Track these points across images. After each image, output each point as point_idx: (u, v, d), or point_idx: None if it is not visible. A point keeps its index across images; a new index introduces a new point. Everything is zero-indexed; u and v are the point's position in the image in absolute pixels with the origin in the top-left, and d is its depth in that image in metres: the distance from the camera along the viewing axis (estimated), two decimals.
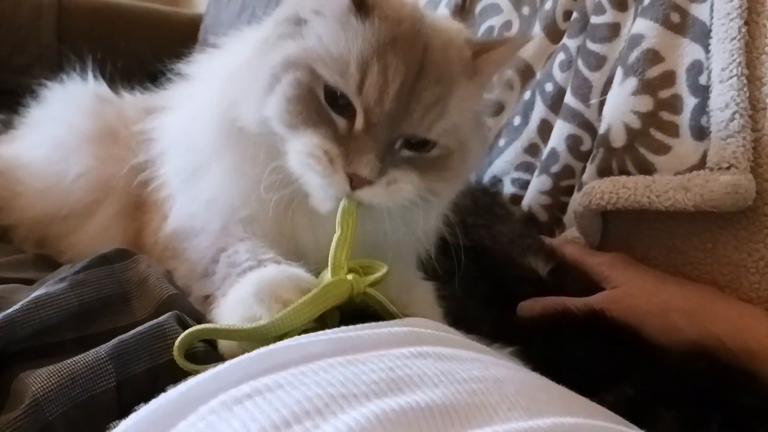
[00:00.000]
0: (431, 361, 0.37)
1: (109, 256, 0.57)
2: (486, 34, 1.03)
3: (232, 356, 0.47)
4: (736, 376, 0.56)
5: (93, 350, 0.46)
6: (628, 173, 0.73)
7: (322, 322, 0.50)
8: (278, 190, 0.57)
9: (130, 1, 1.92)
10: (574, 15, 0.91)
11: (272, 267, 0.54)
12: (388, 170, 0.55)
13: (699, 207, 0.66)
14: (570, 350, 0.63)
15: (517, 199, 0.93)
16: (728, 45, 0.68)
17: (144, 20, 1.88)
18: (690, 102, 0.71)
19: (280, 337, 0.45)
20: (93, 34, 1.74)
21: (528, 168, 0.93)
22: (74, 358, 0.45)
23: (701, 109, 0.70)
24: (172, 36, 1.90)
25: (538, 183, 0.89)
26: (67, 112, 0.82)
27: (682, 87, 0.72)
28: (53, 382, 0.43)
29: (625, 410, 0.54)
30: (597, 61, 0.84)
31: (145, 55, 1.62)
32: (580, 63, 0.86)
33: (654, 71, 0.74)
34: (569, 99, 0.87)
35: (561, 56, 0.91)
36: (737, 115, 0.66)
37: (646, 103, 0.74)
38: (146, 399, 0.44)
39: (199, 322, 0.53)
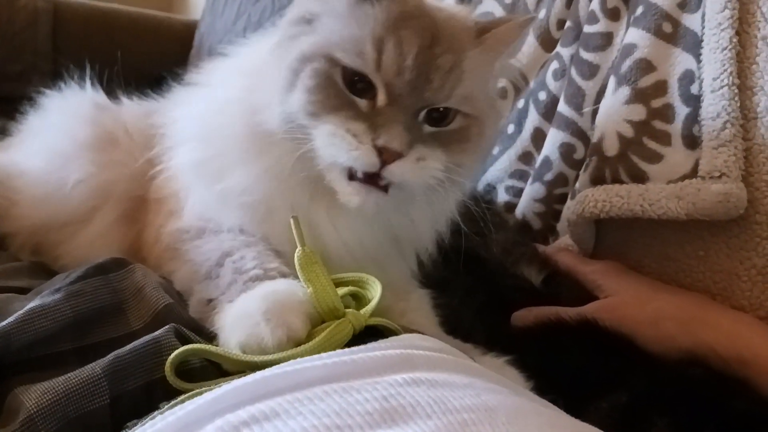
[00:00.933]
0: (424, 388, 0.38)
1: (105, 265, 0.57)
2: None
3: (233, 370, 0.48)
4: (730, 384, 0.56)
5: (89, 366, 0.46)
6: (621, 182, 0.74)
7: None
8: (303, 181, 0.59)
9: (125, 8, 1.92)
10: (568, 24, 0.92)
11: (282, 283, 0.54)
12: (416, 145, 0.56)
13: (691, 215, 0.67)
14: (564, 358, 0.63)
15: (510, 206, 0.94)
16: (719, 55, 0.69)
17: (139, 27, 1.89)
18: (682, 111, 0.72)
19: None
20: (88, 41, 1.74)
21: (522, 176, 0.94)
22: (69, 375, 0.45)
23: (693, 118, 0.70)
24: (167, 42, 1.91)
25: (532, 191, 0.89)
26: (65, 120, 0.82)
27: (674, 96, 0.73)
28: (48, 398, 0.43)
29: (619, 417, 0.55)
30: (590, 70, 0.85)
31: (141, 61, 1.63)
32: (573, 72, 0.87)
33: (646, 80, 0.75)
34: (562, 107, 0.87)
35: (554, 65, 0.92)
36: (729, 125, 0.67)
37: (638, 112, 0.75)
38: (140, 414, 0.44)
39: (197, 332, 0.53)
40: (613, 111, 0.77)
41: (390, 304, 0.64)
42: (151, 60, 1.74)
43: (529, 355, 0.61)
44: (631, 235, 0.77)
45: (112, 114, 0.82)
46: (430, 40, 0.58)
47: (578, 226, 0.78)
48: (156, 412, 0.42)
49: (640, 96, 0.75)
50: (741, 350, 0.58)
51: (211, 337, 0.54)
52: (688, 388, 0.56)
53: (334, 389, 0.37)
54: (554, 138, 0.87)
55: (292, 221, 0.56)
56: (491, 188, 0.97)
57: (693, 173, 0.68)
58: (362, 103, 0.57)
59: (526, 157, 0.93)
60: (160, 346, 0.49)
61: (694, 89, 0.71)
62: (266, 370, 0.40)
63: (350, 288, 0.55)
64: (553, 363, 0.62)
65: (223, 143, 0.64)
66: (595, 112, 0.82)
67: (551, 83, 0.92)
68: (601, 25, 0.85)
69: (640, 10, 0.77)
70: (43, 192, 0.76)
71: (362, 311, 0.53)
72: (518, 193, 0.93)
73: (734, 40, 0.69)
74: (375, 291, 0.55)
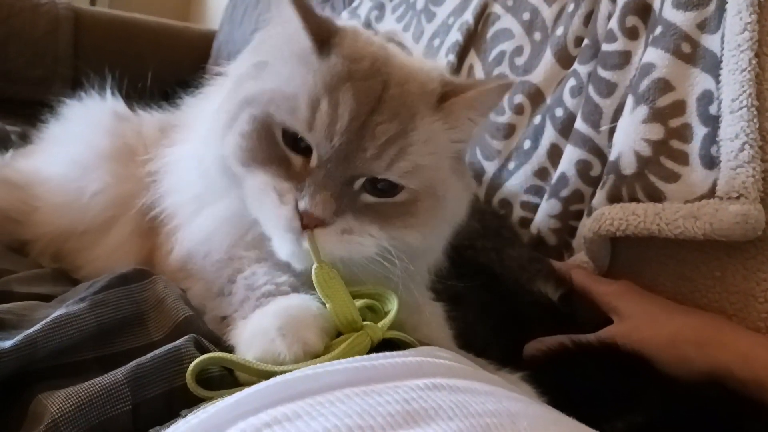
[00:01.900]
0: (445, 393, 0.38)
1: (127, 276, 0.57)
2: (497, 59, 1.05)
3: (248, 383, 0.49)
4: (746, 406, 0.56)
5: (111, 373, 0.47)
6: (638, 200, 0.74)
7: None
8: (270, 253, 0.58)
9: (144, 17, 1.95)
10: (586, 42, 0.92)
11: (295, 299, 0.54)
12: (345, 214, 0.53)
13: (708, 236, 0.67)
14: (581, 376, 0.63)
15: (526, 222, 0.94)
16: (739, 76, 0.69)
17: (158, 36, 1.91)
18: (700, 131, 0.72)
19: None
20: (108, 49, 1.77)
21: (537, 191, 0.94)
22: (92, 381, 0.46)
23: (711, 138, 0.71)
24: (185, 51, 1.94)
25: (548, 207, 0.90)
26: (85, 129, 0.83)
27: (692, 116, 0.73)
28: (71, 404, 0.44)
29: None
30: (608, 88, 0.86)
31: (159, 69, 1.65)
32: (591, 89, 0.87)
33: (665, 100, 0.75)
34: (580, 125, 0.88)
35: (572, 82, 0.92)
36: (747, 146, 0.67)
37: (656, 132, 0.75)
38: (161, 421, 0.45)
39: (216, 344, 0.54)
40: (631, 130, 0.77)
41: (404, 317, 0.64)
42: (169, 68, 1.75)
43: (544, 373, 0.62)
44: (647, 253, 0.77)
45: (131, 125, 0.84)
46: (373, 104, 0.53)
47: (594, 244, 0.78)
48: (179, 419, 0.43)
49: (658, 115, 0.75)
50: (758, 372, 0.58)
51: (229, 350, 0.54)
52: (705, 410, 0.56)
53: (355, 392, 0.37)
54: (571, 155, 0.88)
55: (307, 237, 0.54)
56: (506, 203, 0.97)
57: (711, 193, 0.68)
58: (297, 160, 0.54)
59: (542, 173, 0.94)
60: (181, 355, 0.49)
61: (712, 110, 0.71)
62: (287, 374, 0.41)
63: (366, 301, 0.56)
64: (569, 381, 0.62)
65: (197, 181, 0.64)
66: (612, 130, 0.82)
67: (568, 100, 0.92)
68: (620, 44, 0.86)
69: (659, 30, 0.78)
70: (62, 200, 0.77)
71: (379, 324, 0.53)
72: (534, 208, 0.93)
73: (753, 61, 0.69)
74: (392, 304, 0.56)
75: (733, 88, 0.69)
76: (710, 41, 0.74)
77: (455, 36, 1.12)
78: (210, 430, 0.37)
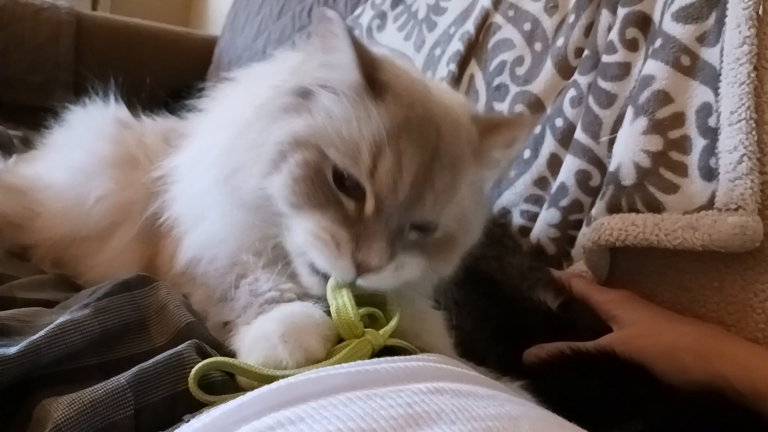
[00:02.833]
0: (448, 397, 0.38)
1: (130, 282, 0.58)
2: (498, 69, 1.05)
3: (249, 388, 0.49)
4: (745, 416, 0.56)
5: (114, 378, 0.47)
6: (638, 211, 0.75)
7: None
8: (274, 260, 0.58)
9: (146, 22, 1.96)
10: (586, 52, 0.93)
11: (298, 306, 0.55)
12: (397, 255, 0.54)
13: (707, 247, 0.67)
14: (580, 385, 0.64)
15: (525, 230, 0.94)
16: (737, 89, 0.70)
17: (160, 41, 1.92)
18: (699, 143, 0.73)
19: None
20: (110, 54, 1.78)
21: (537, 201, 0.94)
22: (95, 386, 0.46)
23: (710, 150, 0.71)
24: (186, 57, 1.95)
25: (547, 216, 0.90)
26: (88, 136, 0.84)
27: (691, 128, 0.74)
28: (74, 409, 0.44)
29: None
30: (608, 99, 0.86)
31: (161, 75, 1.66)
32: (590, 100, 0.88)
33: (664, 112, 0.76)
34: (579, 135, 0.88)
35: (572, 92, 0.93)
36: (745, 158, 0.67)
37: (656, 143, 0.75)
38: (164, 427, 0.45)
39: (217, 350, 0.54)
40: (631, 141, 0.77)
41: (406, 325, 0.64)
42: (170, 74, 1.77)
43: (543, 381, 0.62)
44: (646, 263, 0.77)
45: (133, 132, 0.84)
46: (431, 153, 0.54)
47: (593, 254, 0.78)
48: (182, 423, 0.43)
49: (657, 127, 0.76)
50: (756, 383, 0.58)
51: (231, 356, 0.54)
52: (703, 420, 0.56)
53: (358, 396, 0.37)
54: (571, 165, 0.88)
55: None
56: (506, 212, 0.98)
57: (709, 205, 0.69)
58: (350, 204, 0.54)
59: (541, 183, 0.94)
60: (183, 360, 0.50)
61: (711, 122, 0.72)
62: (290, 378, 0.41)
63: (368, 309, 0.56)
64: (569, 390, 0.62)
65: (205, 197, 0.63)
66: (612, 141, 0.83)
67: (568, 110, 0.93)
68: (620, 56, 0.86)
69: (658, 42, 0.78)
70: (64, 206, 0.78)
71: (381, 331, 0.54)
72: (533, 217, 0.93)
73: (752, 75, 0.69)
74: (393, 312, 0.56)
75: (731, 100, 0.70)
76: (709, 54, 0.74)
77: (456, 46, 1.13)
78: None
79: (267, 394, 0.39)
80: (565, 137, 0.92)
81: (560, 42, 0.98)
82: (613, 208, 0.77)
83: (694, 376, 0.61)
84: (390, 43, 1.31)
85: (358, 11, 1.46)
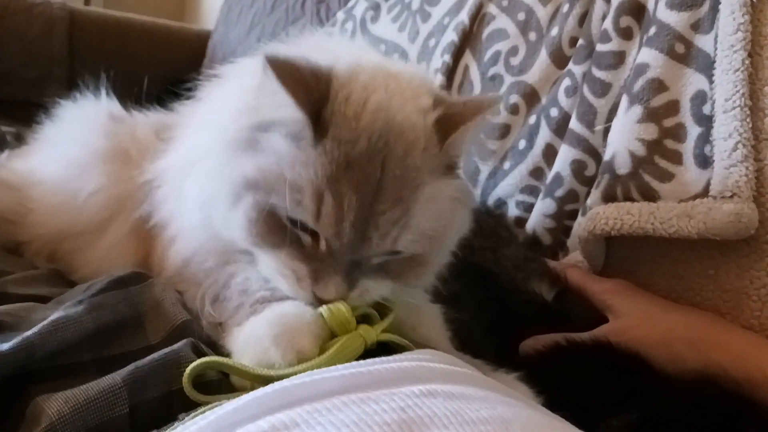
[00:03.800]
0: (440, 400, 0.38)
1: (125, 278, 0.57)
2: (492, 59, 1.05)
3: (242, 388, 0.49)
4: (740, 404, 0.57)
5: (108, 376, 0.47)
6: (633, 200, 0.75)
7: None
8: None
9: (139, 17, 1.95)
10: (580, 42, 0.93)
11: (290, 306, 0.54)
12: (359, 282, 0.54)
13: (702, 235, 0.67)
14: (575, 375, 0.64)
15: (521, 221, 0.94)
16: (732, 76, 0.69)
17: (153, 36, 1.91)
18: (694, 131, 0.73)
19: None
20: (103, 49, 1.77)
21: (532, 191, 0.94)
22: (89, 384, 0.46)
23: (705, 138, 0.71)
24: (180, 51, 1.94)
25: (543, 206, 0.90)
26: (81, 130, 0.83)
27: (686, 116, 0.74)
28: (69, 406, 0.44)
29: None
30: (602, 88, 0.86)
31: (154, 69, 1.66)
32: (585, 89, 0.88)
33: (659, 100, 0.76)
34: (574, 124, 0.88)
35: (567, 82, 0.93)
36: (740, 145, 0.67)
37: (651, 131, 0.75)
38: (159, 425, 0.45)
39: (213, 349, 0.54)
40: (626, 129, 0.77)
41: (402, 318, 0.64)
42: (164, 68, 1.76)
43: (539, 372, 0.62)
44: (641, 252, 0.77)
45: (126, 126, 0.83)
46: (375, 190, 0.52)
47: (589, 243, 0.78)
48: (177, 423, 0.43)
49: (652, 115, 0.76)
50: (751, 371, 0.58)
51: (226, 355, 0.54)
52: (699, 408, 0.56)
53: (352, 400, 0.38)
54: (566, 154, 0.88)
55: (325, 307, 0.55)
56: (502, 203, 0.98)
57: (704, 193, 0.69)
58: (307, 239, 0.54)
59: (537, 173, 0.94)
60: (179, 359, 0.50)
61: (706, 109, 0.72)
62: (284, 380, 0.41)
63: (363, 308, 0.56)
64: (564, 380, 0.62)
65: (186, 208, 0.63)
66: (606, 130, 0.83)
67: (563, 100, 0.92)
68: (614, 44, 0.86)
69: (653, 30, 0.78)
70: (58, 201, 0.77)
71: (374, 327, 0.54)
72: (529, 208, 0.93)
73: (747, 61, 0.69)
74: (389, 309, 0.56)
75: (726, 88, 0.70)
76: (704, 41, 0.74)
77: (450, 36, 1.13)
78: None
79: (262, 398, 0.39)
80: (560, 127, 0.92)
81: (554, 31, 0.97)
82: (609, 197, 0.77)
83: (689, 364, 0.61)
84: (384, 34, 1.30)
85: (351, 2, 1.45)
